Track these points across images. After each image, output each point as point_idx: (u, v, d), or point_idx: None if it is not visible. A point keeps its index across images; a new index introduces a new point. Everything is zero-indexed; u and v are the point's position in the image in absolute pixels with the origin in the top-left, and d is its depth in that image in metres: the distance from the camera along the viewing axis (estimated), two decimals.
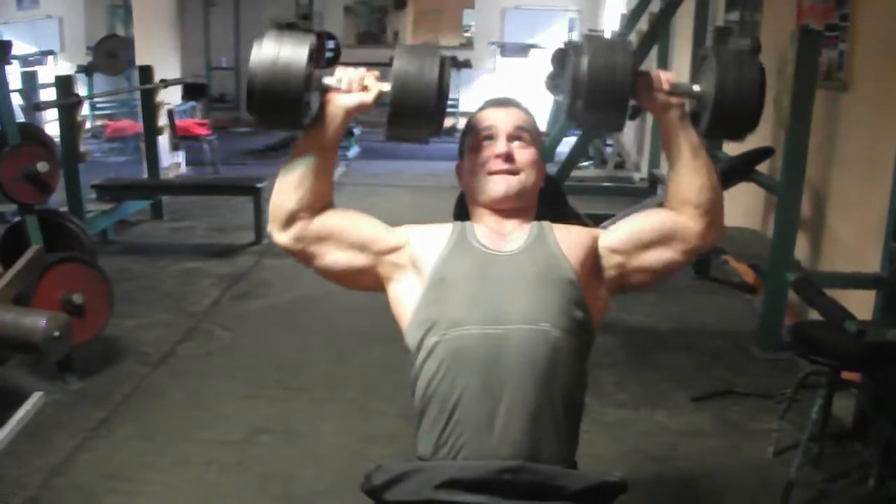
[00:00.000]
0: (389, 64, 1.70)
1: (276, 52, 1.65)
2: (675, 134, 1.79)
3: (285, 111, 1.68)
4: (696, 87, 1.80)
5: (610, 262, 1.82)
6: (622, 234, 1.84)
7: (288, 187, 1.77)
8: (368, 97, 1.73)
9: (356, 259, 1.82)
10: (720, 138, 1.87)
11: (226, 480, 3.11)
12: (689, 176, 1.79)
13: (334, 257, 1.82)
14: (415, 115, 1.69)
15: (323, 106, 1.76)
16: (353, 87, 1.74)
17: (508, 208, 1.84)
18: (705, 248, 1.85)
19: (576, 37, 13.31)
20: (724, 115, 1.74)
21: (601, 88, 1.69)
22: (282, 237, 1.80)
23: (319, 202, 1.80)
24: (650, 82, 1.77)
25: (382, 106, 1.74)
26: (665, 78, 1.78)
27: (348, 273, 1.84)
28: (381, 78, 1.75)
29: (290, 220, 1.78)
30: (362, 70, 1.75)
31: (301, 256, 1.83)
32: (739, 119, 1.76)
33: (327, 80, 1.75)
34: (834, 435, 3.35)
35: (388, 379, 3.84)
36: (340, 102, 1.74)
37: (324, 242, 1.81)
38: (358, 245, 1.82)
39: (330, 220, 1.81)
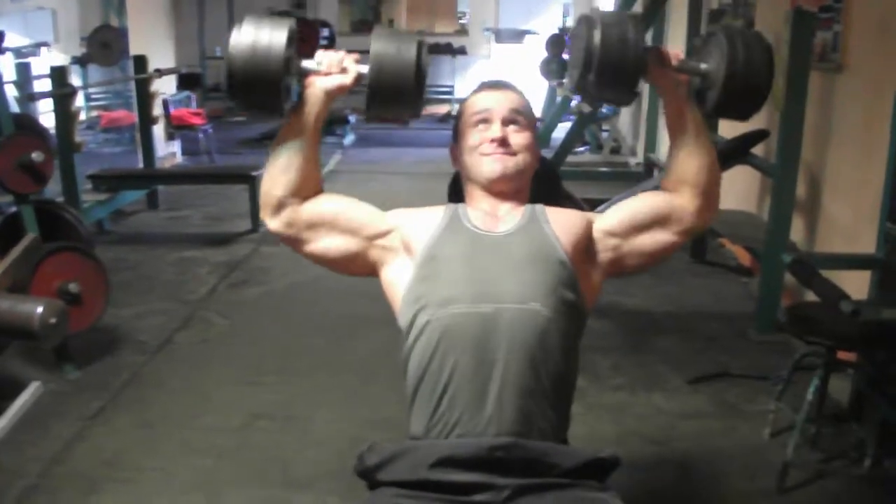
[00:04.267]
0: None
1: (255, 36, 1.66)
2: (680, 112, 1.81)
3: (265, 95, 1.69)
4: (704, 65, 1.80)
5: (606, 245, 1.83)
6: (618, 216, 1.85)
7: (275, 174, 1.79)
8: (347, 79, 1.76)
9: (347, 245, 1.83)
10: (726, 118, 1.88)
11: (225, 466, 3.12)
12: (689, 155, 1.81)
13: (325, 243, 1.83)
14: (392, 95, 1.70)
15: (303, 90, 1.78)
16: (332, 70, 1.76)
17: (504, 190, 1.85)
18: (700, 229, 1.88)
19: (570, 22, 13.29)
20: (732, 95, 1.74)
21: (612, 62, 1.70)
22: (273, 223, 1.82)
23: (307, 187, 1.81)
24: (660, 58, 1.78)
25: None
26: (674, 54, 1.79)
27: (339, 259, 1.85)
28: (362, 62, 1.76)
29: (279, 206, 1.80)
30: (341, 53, 1.78)
31: (292, 242, 1.85)
32: (747, 99, 1.76)
33: (306, 64, 1.78)
34: (830, 415, 3.36)
35: (386, 364, 3.84)
36: (320, 85, 1.77)
37: (315, 229, 1.82)
38: (349, 231, 1.83)
39: (320, 206, 1.83)
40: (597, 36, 1.69)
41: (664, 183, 1.88)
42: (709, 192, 1.82)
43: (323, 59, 1.77)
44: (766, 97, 1.76)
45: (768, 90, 1.75)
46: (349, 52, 1.79)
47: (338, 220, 1.83)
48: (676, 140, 1.83)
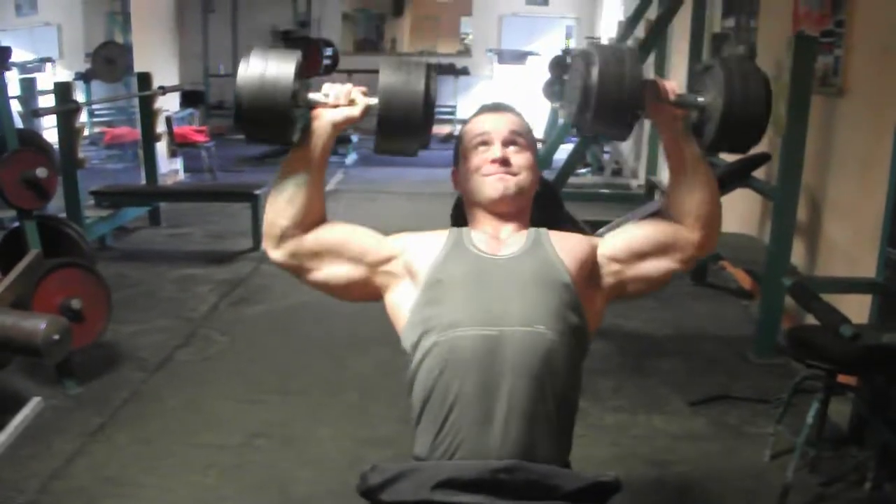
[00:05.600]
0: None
1: (263, 68, 1.67)
2: (678, 146, 1.80)
3: (273, 127, 1.70)
4: (701, 99, 1.80)
5: (608, 269, 1.84)
6: (620, 243, 1.86)
7: (279, 205, 1.79)
8: (355, 111, 1.75)
9: (351, 272, 1.83)
10: (725, 151, 1.88)
11: (224, 484, 3.11)
12: (688, 188, 1.81)
13: (329, 272, 1.83)
14: (402, 128, 1.70)
15: (310, 122, 1.77)
16: (340, 102, 1.76)
17: (505, 211, 1.86)
18: (701, 258, 1.88)
19: (573, 44, 13.36)
20: (730, 129, 1.73)
21: (610, 100, 1.69)
22: (276, 254, 1.82)
23: (311, 218, 1.81)
24: (657, 92, 1.77)
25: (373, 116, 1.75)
26: (670, 88, 1.78)
27: (343, 286, 1.85)
28: (369, 92, 1.76)
29: (283, 238, 1.80)
30: (349, 85, 1.77)
31: (295, 271, 1.84)
32: (745, 132, 1.75)
33: (314, 96, 1.78)
34: (830, 439, 3.36)
35: (386, 383, 3.85)
36: (328, 117, 1.76)
37: (318, 258, 1.82)
38: (352, 259, 1.83)
39: (324, 236, 1.83)
40: (594, 73, 1.69)
41: (665, 215, 1.88)
42: (709, 225, 1.82)
43: (330, 91, 1.77)
44: (763, 130, 1.75)
45: (766, 123, 1.74)
46: (356, 84, 1.79)
47: (342, 249, 1.83)
48: (675, 174, 1.83)
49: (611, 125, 1.76)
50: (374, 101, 1.72)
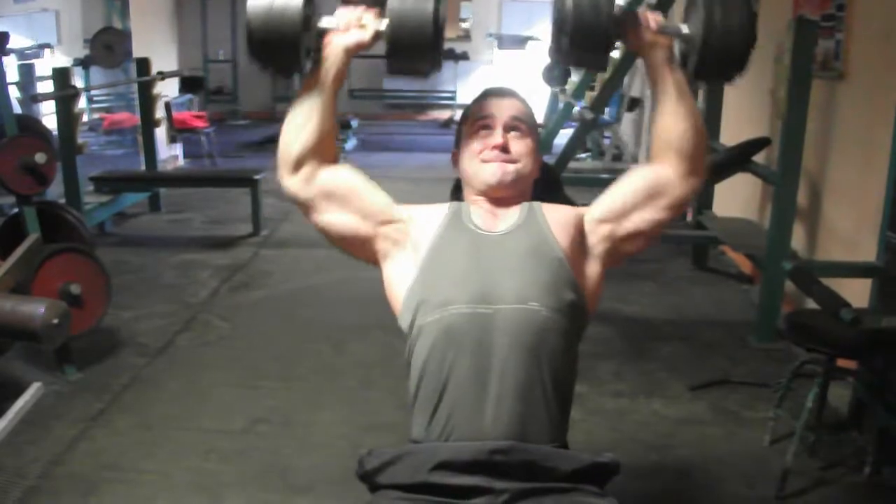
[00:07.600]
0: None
1: None
2: (662, 75, 1.80)
3: (283, 54, 1.71)
4: (685, 28, 1.80)
5: (600, 234, 1.83)
6: (607, 202, 1.85)
7: (292, 130, 1.80)
8: (366, 35, 1.76)
9: (357, 226, 1.83)
10: (709, 81, 1.87)
11: (224, 470, 3.12)
12: (672, 119, 1.79)
13: (336, 217, 1.83)
14: (412, 49, 1.71)
15: (322, 48, 1.78)
16: (350, 27, 1.77)
17: (503, 196, 1.86)
18: (688, 198, 1.85)
19: None
20: (711, 56, 1.73)
21: (585, 26, 1.69)
22: (290, 181, 1.82)
23: (324, 147, 1.82)
24: (637, 21, 1.78)
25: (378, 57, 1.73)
26: (652, 17, 1.79)
27: (345, 236, 1.85)
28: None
29: (297, 164, 1.80)
30: (360, 9, 1.78)
31: (304, 206, 1.84)
32: (728, 61, 1.75)
33: (325, 23, 1.79)
34: (830, 423, 3.36)
35: (386, 369, 3.85)
36: (338, 42, 1.77)
37: (329, 199, 1.82)
38: (360, 211, 1.83)
39: (338, 175, 1.84)
40: (567, 1, 1.69)
41: (651, 152, 1.88)
42: (693, 156, 1.79)
43: (341, 16, 1.78)
44: (745, 61, 1.74)
45: (748, 54, 1.73)
46: (368, 7, 1.79)
47: (352, 196, 1.83)
48: (659, 105, 1.82)
49: (585, 52, 1.75)
50: (384, 24, 1.73)
